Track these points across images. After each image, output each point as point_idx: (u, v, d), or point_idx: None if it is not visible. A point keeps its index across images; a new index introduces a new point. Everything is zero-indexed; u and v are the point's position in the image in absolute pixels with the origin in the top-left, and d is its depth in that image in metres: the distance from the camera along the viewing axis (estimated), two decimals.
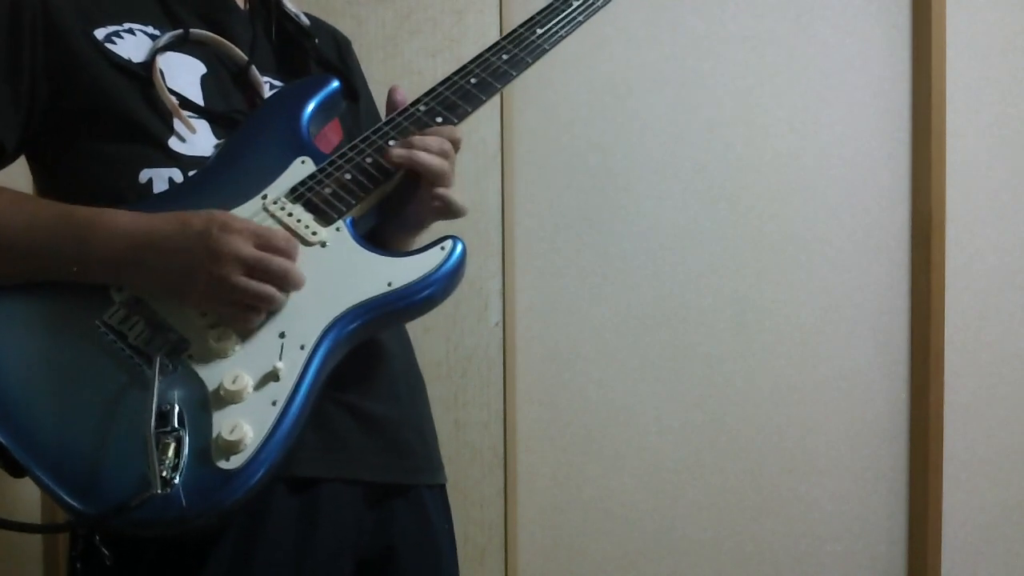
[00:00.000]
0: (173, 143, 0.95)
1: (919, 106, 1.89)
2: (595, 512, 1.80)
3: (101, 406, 0.83)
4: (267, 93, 1.04)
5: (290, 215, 0.92)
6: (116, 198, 0.91)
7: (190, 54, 1.00)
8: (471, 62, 1.03)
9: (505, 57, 1.04)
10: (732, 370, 1.85)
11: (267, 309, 0.86)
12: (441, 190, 0.97)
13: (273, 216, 0.92)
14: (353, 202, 0.94)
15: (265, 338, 0.86)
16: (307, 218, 0.92)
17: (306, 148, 0.98)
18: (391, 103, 1.02)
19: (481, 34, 1.70)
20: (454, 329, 1.70)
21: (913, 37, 1.89)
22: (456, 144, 0.99)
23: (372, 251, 0.92)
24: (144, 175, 0.94)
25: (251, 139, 0.98)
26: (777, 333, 1.86)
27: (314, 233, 0.91)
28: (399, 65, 1.68)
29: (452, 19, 1.70)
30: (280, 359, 0.85)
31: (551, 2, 1.09)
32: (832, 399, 1.88)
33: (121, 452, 0.80)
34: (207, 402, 0.83)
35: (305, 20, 1.12)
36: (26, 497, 1.44)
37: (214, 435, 0.81)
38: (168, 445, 0.79)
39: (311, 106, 1.01)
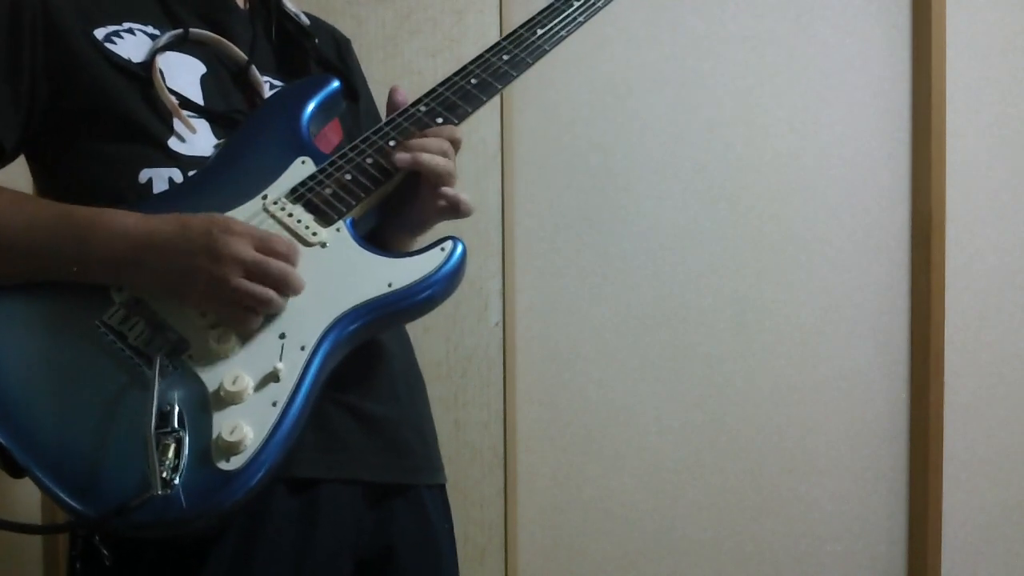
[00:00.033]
0: (173, 143, 0.95)
1: (919, 106, 1.89)
2: (595, 512, 1.80)
3: (101, 407, 0.83)
4: (267, 93, 1.04)
5: (290, 215, 0.92)
6: (116, 198, 0.91)
7: (190, 54, 1.00)
8: (471, 62, 1.03)
9: (505, 58, 1.04)
10: (732, 370, 1.85)
11: (265, 312, 0.86)
12: (447, 189, 0.97)
13: (273, 216, 0.92)
14: (353, 203, 0.94)
15: (265, 339, 0.86)
16: (307, 219, 0.92)
17: (306, 148, 0.97)
18: (392, 103, 1.02)
19: (481, 34, 1.70)
20: (454, 329, 1.70)
21: (913, 37, 1.89)
22: (456, 144, 0.99)
23: (372, 252, 0.92)
24: (144, 175, 0.94)
25: (251, 139, 0.98)
26: (777, 333, 1.86)
27: (314, 234, 0.91)
28: (399, 65, 1.68)
29: (452, 19, 1.70)
30: (280, 360, 0.85)
31: (551, 2, 1.09)
32: (832, 399, 1.88)
33: (121, 453, 0.80)
34: (207, 403, 0.82)
35: (305, 20, 1.12)
36: (26, 498, 1.44)
37: (214, 436, 0.81)
38: (168, 446, 0.79)
39: (311, 106, 1.01)
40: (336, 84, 1.04)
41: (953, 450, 1.90)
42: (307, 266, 0.89)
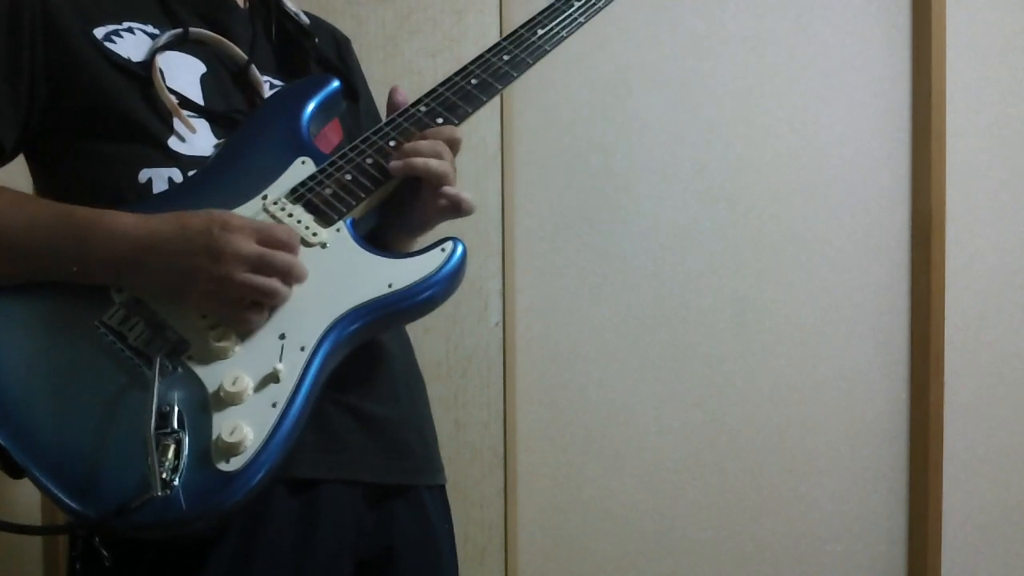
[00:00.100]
0: (173, 143, 0.95)
1: (919, 106, 1.89)
2: (595, 512, 1.80)
3: (101, 407, 0.83)
4: (267, 93, 1.04)
5: (290, 216, 0.92)
6: (116, 198, 0.91)
7: (190, 53, 1.00)
8: (472, 63, 1.03)
9: (506, 58, 1.04)
10: (732, 370, 1.85)
11: (271, 304, 0.86)
12: (447, 188, 0.97)
13: (273, 217, 0.92)
14: (353, 203, 0.93)
15: (265, 339, 0.86)
16: (307, 219, 0.92)
17: (306, 148, 0.97)
18: (392, 103, 1.02)
19: (481, 34, 1.70)
20: (454, 329, 1.70)
21: (913, 37, 1.89)
22: (456, 144, 0.99)
23: (373, 252, 0.92)
24: (144, 175, 0.94)
25: (251, 139, 0.98)
26: (777, 333, 1.86)
27: (314, 234, 0.91)
28: (399, 65, 1.68)
29: (452, 19, 1.70)
30: (280, 360, 0.84)
31: (552, 3, 1.09)
32: (832, 399, 1.88)
33: (121, 453, 0.80)
34: (207, 403, 0.82)
35: (305, 19, 1.12)
36: (26, 498, 1.44)
37: (214, 437, 0.80)
38: (168, 447, 0.79)
39: (311, 106, 1.01)
40: (336, 84, 1.04)
41: (953, 450, 1.90)
42: (307, 266, 0.89)
